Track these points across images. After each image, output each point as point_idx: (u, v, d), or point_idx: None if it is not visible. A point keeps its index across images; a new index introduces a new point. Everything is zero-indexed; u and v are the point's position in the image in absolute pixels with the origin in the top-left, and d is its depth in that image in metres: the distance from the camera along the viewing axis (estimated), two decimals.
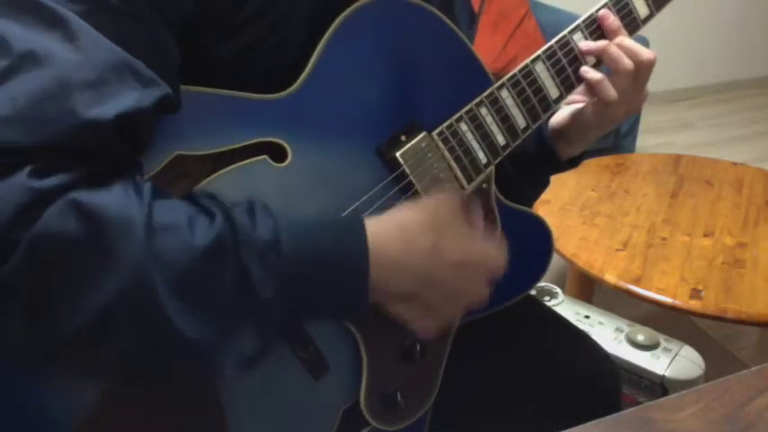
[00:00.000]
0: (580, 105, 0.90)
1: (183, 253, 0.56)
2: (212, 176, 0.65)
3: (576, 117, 0.90)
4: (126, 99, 0.56)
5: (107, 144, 0.56)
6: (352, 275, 0.63)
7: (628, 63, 0.85)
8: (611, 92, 0.85)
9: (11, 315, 0.53)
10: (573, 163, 0.96)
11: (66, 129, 0.54)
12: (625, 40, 0.86)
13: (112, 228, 0.54)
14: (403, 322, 0.70)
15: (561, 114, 0.92)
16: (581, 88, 0.89)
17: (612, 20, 0.86)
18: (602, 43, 0.86)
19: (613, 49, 0.85)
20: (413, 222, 0.68)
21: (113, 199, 0.55)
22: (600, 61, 0.88)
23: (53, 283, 0.53)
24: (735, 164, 2.15)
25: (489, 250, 0.73)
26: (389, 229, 0.66)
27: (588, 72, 0.86)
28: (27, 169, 0.52)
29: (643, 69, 0.85)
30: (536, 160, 0.94)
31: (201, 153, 0.65)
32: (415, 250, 0.66)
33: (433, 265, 0.67)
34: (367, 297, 0.64)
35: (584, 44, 0.86)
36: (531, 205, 0.99)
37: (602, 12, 0.87)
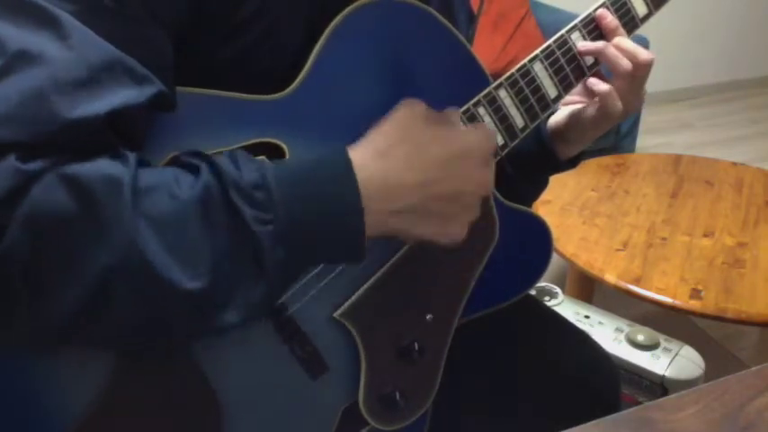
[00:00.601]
0: (579, 106, 0.90)
1: (171, 208, 0.56)
2: None
3: (575, 117, 0.90)
4: (118, 96, 0.56)
5: (98, 140, 0.56)
6: (342, 201, 0.62)
7: (626, 64, 0.85)
8: (617, 105, 0.86)
9: (10, 294, 0.53)
10: (572, 163, 0.96)
11: (58, 126, 0.54)
12: (623, 40, 0.86)
13: (100, 193, 0.54)
14: (430, 240, 0.68)
15: (559, 115, 0.92)
16: (579, 89, 0.89)
17: (610, 19, 0.86)
18: (599, 44, 0.86)
19: (611, 50, 0.85)
20: (386, 139, 0.67)
21: (98, 167, 0.55)
22: (598, 61, 0.88)
23: (48, 254, 0.53)
24: (735, 164, 2.15)
25: (474, 136, 0.71)
26: (366, 152, 0.65)
27: (597, 84, 0.87)
28: (14, 155, 0.52)
29: (641, 70, 0.85)
30: (535, 160, 0.94)
31: None
32: (397, 165, 0.65)
33: (420, 168, 0.66)
34: (363, 223, 0.63)
35: (582, 45, 0.86)
36: (530, 205, 0.99)
37: (599, 11, 0.87)
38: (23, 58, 0.54)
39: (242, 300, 0.59)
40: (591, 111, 0.88)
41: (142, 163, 0.58)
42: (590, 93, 0.89)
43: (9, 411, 0.62)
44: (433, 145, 0.67)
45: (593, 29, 0.87)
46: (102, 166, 0.55)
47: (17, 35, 0.54)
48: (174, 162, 0.62)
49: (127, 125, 0.58)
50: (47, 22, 0.55)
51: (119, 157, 0.57)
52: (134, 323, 0.57)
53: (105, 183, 0.54)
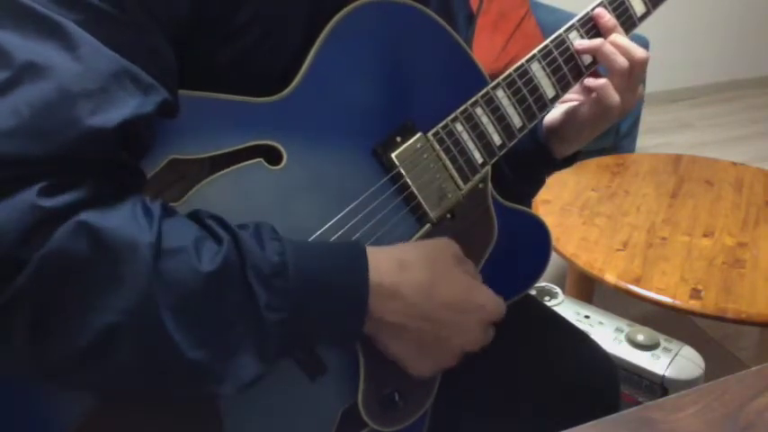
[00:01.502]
0: (575, 104, 0.90)
1: (189, 277, 0.57)
2: (207, 180, 0.66)
3: (571, 115, 0.90)
4: (127, 106, 0.56)
5: (111, 153, 0.56)
6: (351, 303, 0.65)
7: (622, 61, 0.85)
8: (614, 97, 0.86)
9: (14, 332, 0.53)
10: (568, 162, 0.96)
11: (71, 139, 0.54)
12: (618, 38, 0.86)
13: (120, 251, 0.54)
14: (398, 360, 0.71)
15: (555, 113, 0.92)
16: (577, 87, 0.89)
17: (608, 18, 0.87)
18: (596, 41, 0.86)
19: (607, 48, 0.86)
20: (412, 257, 0.70)
21: (122, 221, 0.55)
22: (595, 60, 0.88)
23: (59, 302, 0.53)
24: (735, 164, 2.15)
25: (487, 297, 0.74)
26: (389, 260, 0.68)
27: (593, 80, 0.87)
28: (36, 187, 0.52)
29: (637, 67, 0.86)
30: (531, 159, 0.94)
31: (196, 157, 0.65)
32: (412, 283, 0.68)
33: (427, 300, 0.69)
34: (363, 324, 0.66)
35: (579, 43, 0.86)
36: (529, 203, 0.99)
37: (597, 10, 0.87)
38: (32, 70, 0.53)
39: (236, 377, 0.60)
40: (587, 107, 0.88)
41: (165, 212, 0.59)
42: (586, 90, 0.89)
43: (9, 412, 0.62)
44: (452, 285, 0.71)
45: (591, 28, 0.87)
46: (126, 220, 0.55)
47: (23, 46, 0.54)
48: (197, 220, 0.61)
49: (136, 135, 0.58)
50: (53, 32, 0.55)
51: (143, 206, 0.57)
52: (131, 378, 0.57)
53: (127, 240, 0.55)
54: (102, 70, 0.56)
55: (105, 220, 0.54)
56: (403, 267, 0.68)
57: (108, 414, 0.63)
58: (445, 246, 0.73)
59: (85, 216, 0.53)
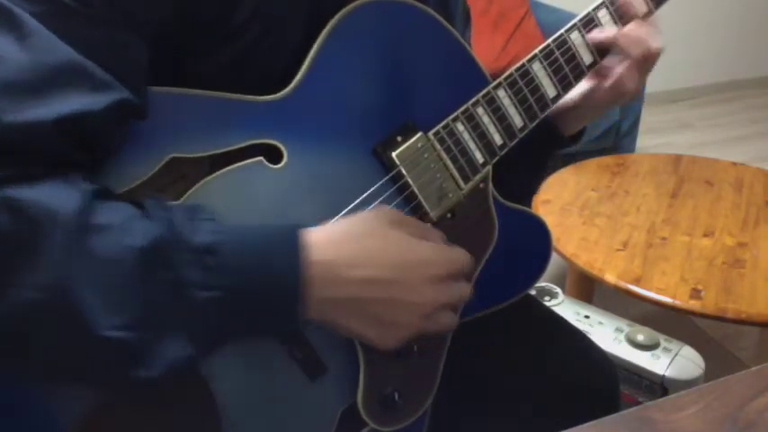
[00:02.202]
0: (591, 87, 0.90)
1: (116, 254, 0.56)
2: (207, 179, 0.65)
3: (587, 99, 0.91)
4: (71, 102, 0.56)
5: (46, 146, 0.56)
6: (284, 283, 0.62)
7: (638, 51, 0.85)
8: (631, 85, 0.86)
9: None
10: (574, 139, 0.96)
11: (4, 128, 0.53)
12: (636, 27, 0.86)
13: (39, 222, 0.53)
14: (360, 338, 0.70)
15: (572, 93, 0.92)
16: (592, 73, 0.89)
17: (637, 5, 0.87)
18: (612, 31, 0.86)
19: (625, 38, 0.85)
20: (347, 228, 0.67)
21: (46, 193, 0.54)
22: (597, 61, 0.87)
23: None
24: (735, 164, 2.15)
25: (431, 251, 0.70)
26: (324, 237, 0.65)
27: (612, 67, 0.87)
28: None
29: (652, 57, 0.86)
30: (537, 138, 0.94)
31: (197, 155, 0.65)
32: (350, 253, 0.66)
33: (369, 265, 0.66)
34: (301, 305, 0.63)
35: (597, 31, 0.86)
36: (530, 198, 0.99)
37: (604, 20, 0.87)
38: None
39: (163, 358, 0.58)
40: (603, 92, 0.89)
41: (98, 193, 0.57)
42: (602, 75, 0.89)
43: (8, 412, 0.62)
44: (390, 248, 0.68)
45: (594, 28, 0.87)
46: (51, 194, 0.54)
47: None
48: (135, 202, 0.60)
49: (84, 132, 0.57)
50: (8, 22, 0.55)
51: (72, 183, 0.56)
52: (47, 360, 0.56)
53: (49, 211, 0.54)
54: (51, 63, 0.55)
55: (28, 193, 0.54)
56: (335, 242, 0.65)
57: (107, 414, 0.63)
58: (380, 212, 0.70)
59: (9, 191, 0.53)
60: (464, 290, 0.73)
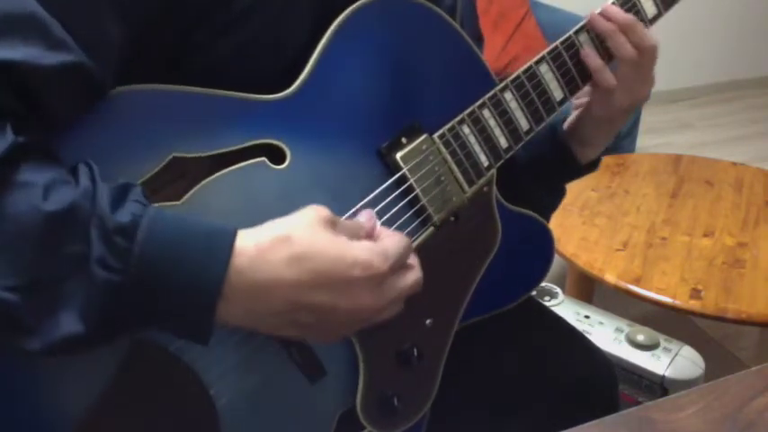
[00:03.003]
0: (585, 102, 0.89)
1: (26, 214, 0.54)
2: (210, 178, 0.65)
3: (584, 114, 0.90)
4: (17, 51, 0.56)
5: None
6: (204, 280, 0.57)
7: (630, 49, 0.84)
8: (611, 80, 0.84)
9: None
10: (591, 167, 0.96)
11: None
12: (629, 26, 0.84)
13: None
14: (304, 339, 0.66)
15: (571, 117, 0.92)
16: (586, 88, 0.88)
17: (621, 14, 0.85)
18: (607, 29, 0.84)
19: (618, 37, 0.84)
20: (274, 233, 0.61)
21: None
22: (611, 58, 0.87)
23: None
24: (735, 164, 2.15)
25: (360, 251, 0.62)
26: (251, 242, 0.59)
27: (588, 56, 0.85)
28: None
29: (646, 56, 0.84)
30: (554, 167, 0.93)
31: (199, 155, 0.65)
32: (276, 262, 0.59)
33: (297, 272, 0.59)
34: (214, 309, 0.57)
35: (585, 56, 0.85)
36: (548, 216, 0.98)
37: (607, 7, 0.85)
38: None
39: (53, 332, 0.55)
40: (597, 102, 0.87)
41: (33, 151, 0.56)
42: (594, 87, 0.88)
43: (9, 413, 0.62)
44: (319, 252, 0.60)
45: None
46: None
47: None
48: (71, 168, 0.58)
49: (24, 83, 0.56)
50: None
51: (3, 134, 0.54)
52: None
53: None
54: (8, 11, 0.56)
55: None
56: (262, 250, 0.59)
57: (106, 417, 0.63)
58: (312, 213, 0.63)
59: None
60: (409, 278, 0.66)
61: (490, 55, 2.54)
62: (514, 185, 0.86)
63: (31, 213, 0.54)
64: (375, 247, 0.63)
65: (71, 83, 0.59)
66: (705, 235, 1.76)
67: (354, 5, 0.71)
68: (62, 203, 0.55)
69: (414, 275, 0.66)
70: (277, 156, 0.68)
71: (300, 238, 0.60)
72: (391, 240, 0.65)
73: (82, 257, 0.55)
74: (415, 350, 0.77)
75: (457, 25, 0.78)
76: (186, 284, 0.57)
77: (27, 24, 0.57)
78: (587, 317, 1.63)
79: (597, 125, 0.90)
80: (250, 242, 0.59)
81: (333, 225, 0.63)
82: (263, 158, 0.67)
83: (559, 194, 1.00)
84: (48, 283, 0.55)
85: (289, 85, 0.69)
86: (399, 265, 0.65)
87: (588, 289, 1.89)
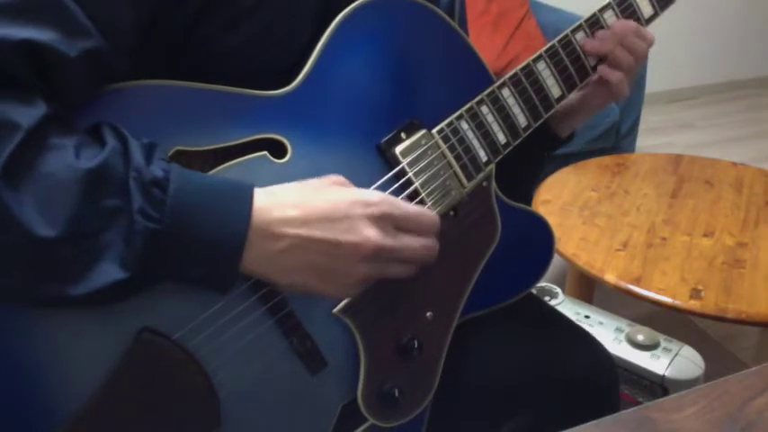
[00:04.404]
0: (587, 92, 0.92)
1: (63, 172, 0.57)
2: (212, 172, 0.66)
3: (582, 104, 0.93)
4: (43, 33, 0.58)
5: (9, 64, 0.57)
6: (229, 226, 0.62)
7: (630, 60, 0.88)
8: (626, 91, 0.89)
9: None
10: (569, 139, 0.99)
11: None
12: (627, 38, 0.88)
13: None
14: (311, 292, 0.68)
15: (570, 99, 0.93)
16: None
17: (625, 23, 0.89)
18: (607, 46, 0.88)
19: (619, 51, 0.87)
20: (285, 185, 0.67)
21: (8, 108, 0.56)
22: (601, 60, 0.88)
23: None
24: (735, 164, 2.15)
25: (363, 192, 0.68)
26: (264, 192, 0.65)
27: (609, 74, 0.88)
28: None
29: (639, 61, 0.89)
30: (535, 139, 0.95)
31: (202, 149, 0.66)
32: (285, 200, 0.65)
33: (304, 208, 0.65)
34: (241, 250, 0.62)
35: (589, 45, 0.87)
36: (531, 190, 1.00)
37: (609, 22, 0.88)
38: None
39: (96, 278, 0.59)
40: (599, 98, 0.91)
41: (61, 118, 0.60)
42: (597, 82, 0.90)
43: (11, 398, 0.62)
44: (326, 193, 0.66)
45: (599, 29, 0.87)
46: (13, 108, 0.57)
47: None
48: (95, 128, 0.62)
49: (51, 67, 0.59)
50: None
51: (36, 104, 0.58)
52: None
53: (7, 123, 0.56)
54: None
55: None
56: (270, 193, 0.65)
57: (108, 405, 0.64)
58: (323, 178, 0.69)
59: None
60: (420, 240, 0.69)
61: (490, 55, 2.54)
62: (498, 170, 0.87)
63: (68, 171, 0.58)
64: (382, 193, 0.69)
65: (90, 68, 0.61)
66: (705, 235, 1.76)
67: (354, 4, 0.72)
68: (95, 161, 0.58)
69: (427, 241, 0.69)
70: (278, 150, 0.69)
71: (310, 184, 0.67)
72: (408, 203, 0.70)
73: (119, 210, 0.59)
74: (416, 342, 0.78)
75: (455, 24, 0.79)
76: (214, 230, 0.61)
77: (53, 8, 0.59)
78: (587, 317, 1.63)
79: (590, 111, 0.93)
80: (265, 193, 0.65)
81: (341, 183, 0.69)
82: (265, 152, 0.69)
83: (538, 166, 1.03)
84: (88, 235, 0.58)
85: (290, 82, 0.70)
86: (410, 220, 0.68)
87: (588, 289, 1.89)
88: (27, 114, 0.57)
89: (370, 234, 0.66)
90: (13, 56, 0.57)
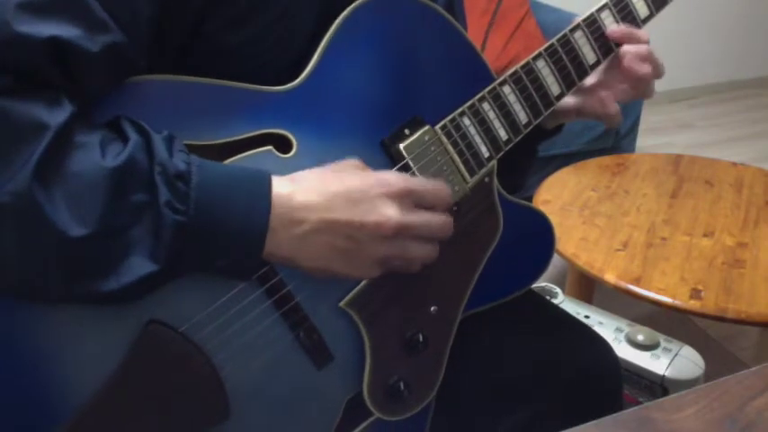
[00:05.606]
0: (580, 102, 0.92)
1: (90, 171, 0.58)
2: None
3: (578, 111, 0.93)
4: (66, 29, 0.58)
5: (36, 62, 0.58)
6: (251, 215, 0.63)
7: (646, 69, 0.89)
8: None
9: None
10: (558, 129, 0.99)
11: (5, 37, 0.56)
12: (643, 50, 0.89)
13: (23, 129, 0.56)
14: (336, 273, 0.68)
15: (568, 102, 0.93)
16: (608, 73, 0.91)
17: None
18: (631, 65, 0.88)
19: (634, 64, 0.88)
20: (304, 172, 0.68)
21: (35, 109, 0.57)
22: (600, 60, 0.89)
23: None
24: (735, 164, 2.15)
25: (379, 174, 0.70)
26: (284, 179, 0.66)
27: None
28: None
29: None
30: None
31: (208, 143, 0.67)
32: (307, 185, 0.66)
33: (325, 191, 0.66)
34: (264, 237, 0.64)
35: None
36: (524, 182, 1.00)
37: (607, 21, 0.88)
38: None
39: (128, 273, 0.60)
40: (590, 109, 0.91)
41: (84, 116, 0.60)
42: (590, 93, 0.90)
43: (19, 390, 0.62)
44: (344, 177, 0.68)
45: (597, 29, 0.88)
46: (40, 109, 0.57)
47: None
48: (113, 122, 0.63)
49: (74, 64, 0.59)
50: None
51: (60, 103, 0.58)
52: (11, 261, 0.58)
53: (34, 124, 0.56)
54: None
55: (19, 105, 0.56)
56: (292, 179, 0.67)
57: (116, 398, 0.64)
58: (340, 162, 0.71)
59: (2, 101, 0.56)
60: (437, 217, 0.71)
61: (490, 54, 2.54)
62: (498, 167, 0.87)
63: (95, 169, 0.58)
64: (399, 173, 0.71)
65: (111, 63, 0.62)
66: (705, 235, 1.76)
67: (357, 2, 0.73)
68: (120, 159, 0.59)
69: (442, 217, 0.71)
70: (284, 145, 0.70)
71: (329, 169, 0.68)
72: (423, 179, 0.72)
73: (146, 204, 0.60)
74: (421, 336, 0.79)
75: (455, 22, 0.80)
76: (237, 219, 0.62)
77: (72, 4, 0.59)
78: (587, 317, 1.63)
79: (580, 117, 0.93)
80: (285, 179, 0.66)
81: (360, 167, 0.70)
82: (270, 147, 0.69)
83: (531, 155, 1.02)
84: (118, 231, 0.59)
85: (295, 78, 0.71)
86: (428, 194, 0.70)
87: (588, 289, 1.89)
88: (54, 114, 0.58)
89: (391, 212, 0.67)
90: (39, 53, 0.57)
